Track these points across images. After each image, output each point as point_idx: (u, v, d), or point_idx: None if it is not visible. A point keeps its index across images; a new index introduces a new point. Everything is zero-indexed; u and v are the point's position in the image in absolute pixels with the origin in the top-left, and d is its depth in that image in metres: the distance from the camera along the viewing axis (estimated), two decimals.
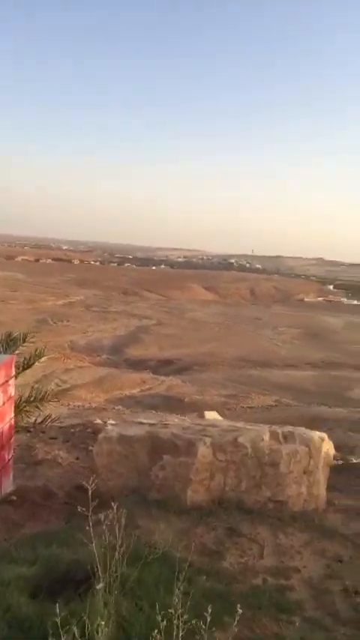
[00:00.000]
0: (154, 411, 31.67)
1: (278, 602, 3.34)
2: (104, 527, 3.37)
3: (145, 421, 4.85)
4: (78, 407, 31.55)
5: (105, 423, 7.69)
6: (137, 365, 46.74)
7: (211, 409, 31.46)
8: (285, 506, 4.15)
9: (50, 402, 9.11)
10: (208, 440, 4.24)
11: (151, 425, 4.68)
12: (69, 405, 31.68)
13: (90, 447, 6.33)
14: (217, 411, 30.56)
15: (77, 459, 6.03)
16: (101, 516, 3.68)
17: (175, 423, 4.81)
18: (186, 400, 35.34)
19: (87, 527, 3.23)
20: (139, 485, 4.27)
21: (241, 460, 4.22)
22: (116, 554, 3.26)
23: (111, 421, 7.92)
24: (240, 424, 5.07)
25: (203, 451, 4.15)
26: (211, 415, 8.17)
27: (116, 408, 32.58)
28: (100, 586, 2.94)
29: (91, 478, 3.63)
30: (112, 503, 3.88)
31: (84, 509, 3.45)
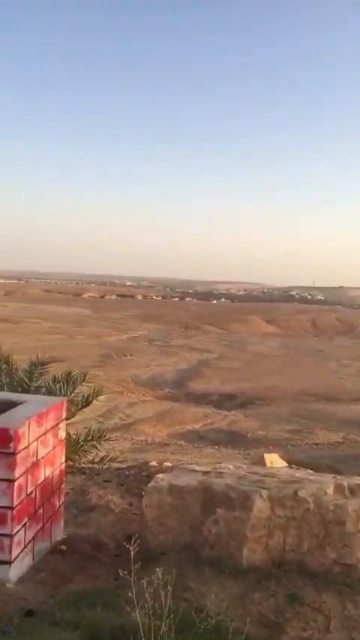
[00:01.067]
0: (216, 447, 31.07)
1: None
2: (151, 590, 3.08)
3: (198, 469, 4.52)
4: (141, 441, 31.51)
5: (160, 464, 7.41)
6: (199, 399, 46.39)
7: (275, 445, 30.46)
8: (354, 570, 3.67)
9: (109, 440, 8.98)
10: (265, 492, 3.85)
11: (204, 473, 4.35)
12: (132, 439, 31.69)
13: (144, 492, 6.05)
14: (280, 448, 29.48)
15: (130, 504, 5.76)
16: (150, 577, 3.40)
17: (231, 471, 4.45)
18: (249, 435, 34.45)
19: (130, 593, 2.96)
20: (191, 540, 3.94)
21: (302, 516, 3.80)
22: (163, 623, 2.96)
23: (167, 463, 7.63)
24: (301, 473, 4.63)
25: (260, 505, 3.78)
26: (272, 458, 7.69)
27: (179, 443, 32.27)
28: None
29: (135, 536, 3.36)
30: (159, 564, 3.60)
31: (130, 567, 3.18)
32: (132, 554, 3.05)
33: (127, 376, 53.21)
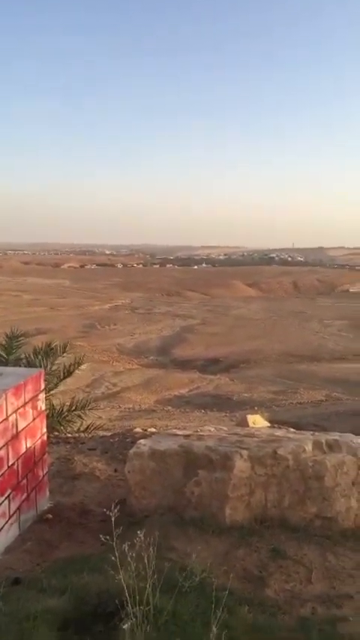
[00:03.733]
0: (202, 411, 31.45)
1: (330, 636, 2.97)
2: (134, 553, 3.11)
3: (179, 433, 4.55)
4: (128, 409, 31.72)
5: (145, 431, 7.46)
6: (184, 365, 46.63)
7: (260, 406, 30.94)
8: (334, 523, 3.76)
9: (94, 410, 9.01)
10: (245, 453, 3.89)
11: (185, 437, 4.37)
12: (120, 407, 31.90)
13: None
14: (266, 409, 29.97)
15: (116, 471, 5.80)
16: (133, 540, 3.44)
17: (211, 433, 4.48)
18: (234, 398, 34.89)
19: (113, 556, 2.99)
20: (175, 503, 3.98)
21: (282, 474, 3.86)
22: (148, 583, 3.00)
23: (151, 429, 7.68)
24: (281, 432, 4.69)
25: (240, 465, 3.82)
26: (254, 419, 7.79)
27: (165, 408, 32.56)
28: (126, 626, 2.68)
29: (117, 501, 3.38)
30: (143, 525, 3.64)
31: (116, 530, 3.21)
32: (113, 518, 3.07)
33: (112, 345, 53.12)
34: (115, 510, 3.21)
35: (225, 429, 4.86)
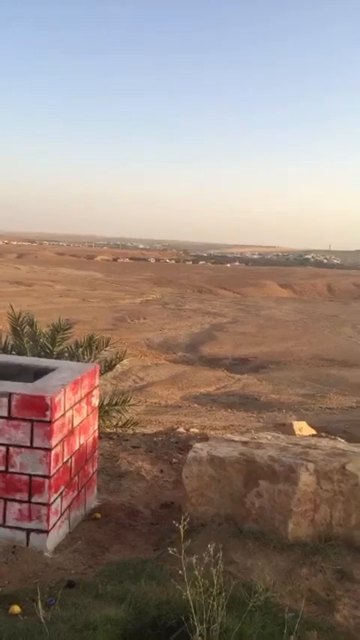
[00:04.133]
0: (229, 410, 31.24)
1: None
2: (196, 564, 2.95)
3: (236, 439, 4.37)
4: (155, 404, 31.76)
5: (188, 431, 7.31)
6: (212, 363, 46.39)
7: (288, 408, 30.52)
8: None
9: (132, 405, 8.91)
10: (311, 466, 3.69)
11: (243, 443, 4.19)
12: (146, 401, 31.96)
13: (174, 459, 5.97)
14: (293, 412, 29.55)
15: (161, 471, 5.67)
16: (198, 552, 3.28)
17: (270, 441, 4.29)
18: (262, 399, 34.52)
19: (174, 566, 2.84)
20: (233, 512, 3.81)
21: (350, 491, 3.64)
22: (212, 599, 2.84)
23: (194, 430, 7.53)
24: (343, 445, 4.46)
25: (306, 479, 3.62)
26: (300, 425, 7.56)
27: (192, 405, 32.47)
28: None
29: (180, 506, 3.23)
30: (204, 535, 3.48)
31: (169, 537, 3.06)
32: (180, 527, 2.90)
33: (141, 339, 53.24)
34: (168, 515, 3.06)
35: (282, 437, 4.66)
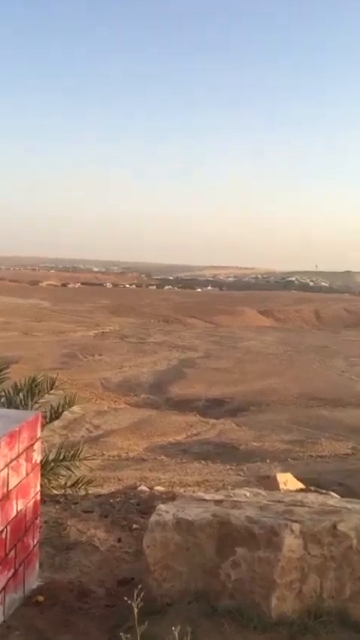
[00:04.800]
0: (203, 461, 31.08)
1: None
2: None
3: (208, 497, 4.34)
4: (113, 457, 31.32)
5: (152, 489, 7.22)
6: (182, 406, 46.31)
7: (273, 458, 30.60)
8: None
9: (84, 460, 8.75)
10: (296, 526, 3.69)
11: (216, 503, 4.16)
12: (103, 455, 31.47)
13: (134, 525, 5.87)
14: (279, 462, 29.59)
15: (119, 540, 5.55)
16: (158, 635, 3.21)
17: (248, 499, 4.28)
18: (242, 448, 34.53)
19: None
20: (205, 588, 3.76)
21: (343, 555, 3.64)
22: None
23: (159, 488, 7.44)
24: (334, 501, 4.48)
25: (290, 543, 3.61)
26: (285, 478, 7.57)
27: (158, 458, 32.18)
28: None
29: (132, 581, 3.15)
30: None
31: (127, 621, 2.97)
32: (135, 607, 2.83)
33: (96, 380, 52.87)
34: (127, 594, 3.00)
35: (263, 493, 4.65)
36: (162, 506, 4.17)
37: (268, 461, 29.86)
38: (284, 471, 18.56)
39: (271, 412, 44.47)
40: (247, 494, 4.53)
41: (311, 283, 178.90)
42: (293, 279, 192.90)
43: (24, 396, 8.08)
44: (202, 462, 31.09)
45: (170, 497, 6.15)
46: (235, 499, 4.28)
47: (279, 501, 4.27)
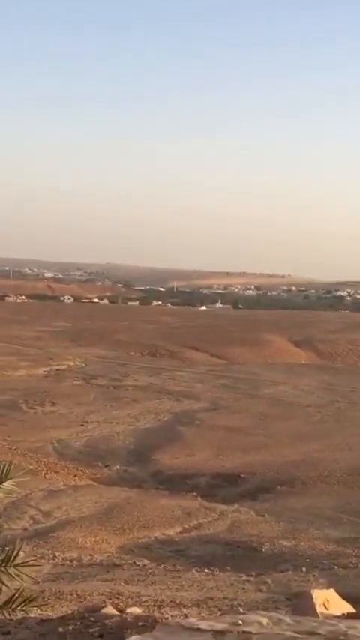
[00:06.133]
0: (206, 569, 30.92)
1: None
2: None
3: (203, 626, 4.35)
4: (71, 562, 31.08)
5: (122, 612, 7.21)
6: (176, 483, 46.20)
7: (310, 565, 30.46)
8: None
9: (24, 566, 8.73)
10: None
11: (216, 634, 4.18)
12: (54, 557, 31.27)
13: None
14: (322, 570, 29.54)
15: None
16: None
17: (263, 629, 4.29)
18: (264, 549, 34.37)
19: None
20: None
21: None
22: None
23: (133, 609, 7.41)
24: None
25: None
26: (326, 596, 7.58)
27: (139, 562, 31.97)
28: None
29: None
30: None
31: None
32: None
33: (46, 442, 52.69)
34: None
35: (288, 619, 4.67)
36: (135, 639, 4.18)
37: (304, 569, 29.69)
38: (328, 585, 18.37)
39: (310, 495, 44.37)
40: (264, 621, 4.54)
41: None
42: (344, 293, 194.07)
43: None
44: (206, 569, 30.93)
45: (150, 624, 6.15)
46: (244, 629, 4.29)
47: (312, 633, 4.28)
